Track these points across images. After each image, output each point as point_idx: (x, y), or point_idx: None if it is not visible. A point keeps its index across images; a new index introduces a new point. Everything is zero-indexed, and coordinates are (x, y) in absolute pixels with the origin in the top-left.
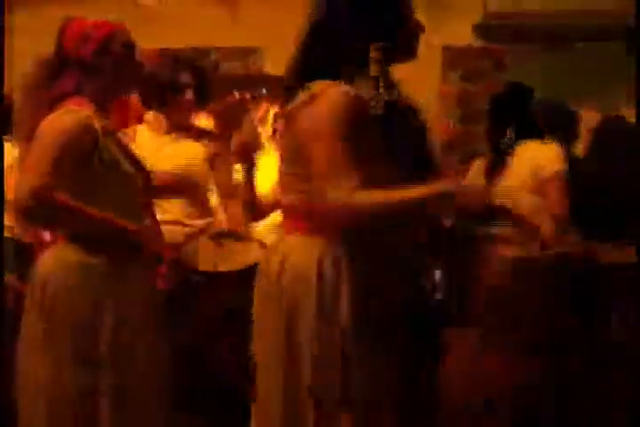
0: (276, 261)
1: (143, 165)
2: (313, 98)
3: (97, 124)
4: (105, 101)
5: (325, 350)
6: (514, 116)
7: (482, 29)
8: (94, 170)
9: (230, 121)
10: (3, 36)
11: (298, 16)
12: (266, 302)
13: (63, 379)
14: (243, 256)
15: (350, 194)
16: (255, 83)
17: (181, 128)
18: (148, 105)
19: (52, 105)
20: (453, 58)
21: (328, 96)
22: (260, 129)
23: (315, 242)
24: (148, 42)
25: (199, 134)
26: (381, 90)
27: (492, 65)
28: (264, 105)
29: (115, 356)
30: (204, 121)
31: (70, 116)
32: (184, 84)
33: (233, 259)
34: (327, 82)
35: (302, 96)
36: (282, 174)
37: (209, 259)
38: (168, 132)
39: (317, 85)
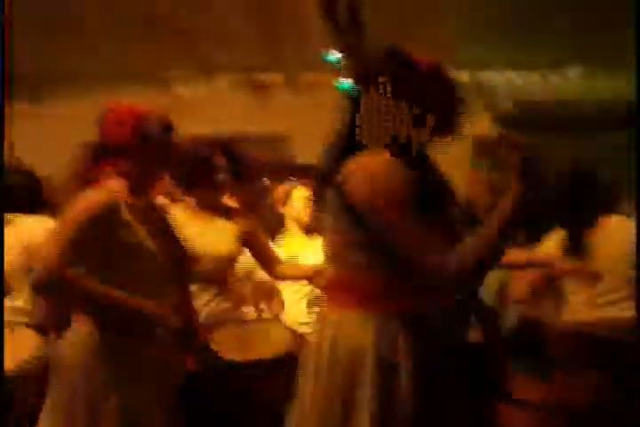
0: (328, 336)
1: (178, 243)
2: (364, 166)
3: (122, 202)
4: (142, 183)
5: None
6: (590, 191)
7: (510, 119)
8: (115, 248)
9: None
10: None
11: (327, 104)
12: (317, 378)
13: None
14: (273, 344)
15: (445, 255)
16: (282, 169)
17: (213, 208)
18: (181, 186)
19: (90, 186)
20: (482, 147)
21: (372, 164)
22: (281, 210)
23: (369, 315)
24: (180, 130)
25: (229, 213)
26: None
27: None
28: (284, 187)
29: None
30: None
31: (95, 193)
32: (217, 167)
33: (263, 346)
34: (377, 151)
35: (351, 165)
36: (331, 246)
37: (238, 346)
38: (200, 212)
39: (368, 154)
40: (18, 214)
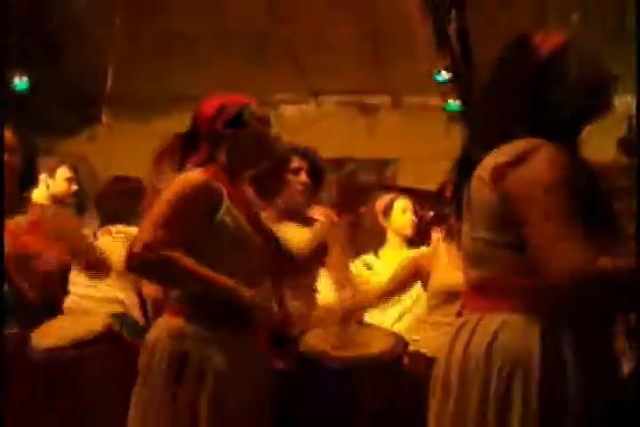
0: (482, 343)
1: (275, 238)
2: (522, 157)
3: (219, 185)
4: (236, 173)
5: None
6: None
7: (627, 144)
8: (214, 232)
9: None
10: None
11: (434, 127)
12: (456, 389)
13: None
14: (368, 344)
15: (593, 259)
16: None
17: (294, 215)
18: (262, 195)
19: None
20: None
21: (542, 154)
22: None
23: (530, 320)
24: None
25: (308, 222)
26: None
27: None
28: (385, 199)
29: None
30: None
31: (194, 176)
32: (297, 168)
33: (359, 345)
34: (535, 140)
35: (503, 156)
36: (476, 244)
37: (330, 344)
38: (280, 219)
39: (525, 143)
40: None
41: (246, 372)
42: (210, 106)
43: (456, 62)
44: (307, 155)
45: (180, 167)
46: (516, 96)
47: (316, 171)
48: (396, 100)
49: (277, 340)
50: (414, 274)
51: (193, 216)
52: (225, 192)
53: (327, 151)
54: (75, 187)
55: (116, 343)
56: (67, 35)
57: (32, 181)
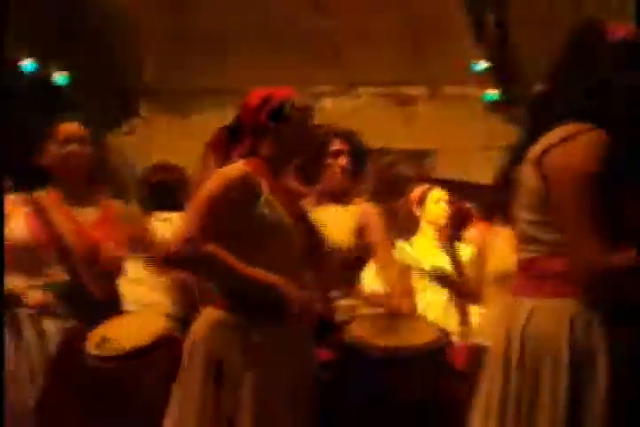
0: (517, 328)
1: (316, 229)
2: (566, 139)
3: (260, 178)
4: (278, 165)
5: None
6: None
7: None
8: (254, 224)
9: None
10: None
11: (472, 117)
12: (507, 370)
13: None
14: (421, 334)
15: (605, 260)
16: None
17: (335, 198)
18: (305, 179)
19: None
20: None
21: (584, 139)
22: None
23: (564, 305)
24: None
25: (350, 203)
26: None
27: None
28: (421, 188)
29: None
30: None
31: (232, 169)
32: (337, 151)
33: (404, 336)
34: (583, 125)
35: (550, 139)
36: (521, 226)
37: (381, 334)
38: (321, 202)
39: (572, 127)
40: (173, 213)
41: (288, 363)
42: (254, 99)
43: (494, 51)
44: (348, 138)
45: (224, 160)
46: (581, 81)
47: (358, 154)
48: (433, 91)
49: (320, 330)
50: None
51: (231, 209)
52: (264, 184)
53: (366, 142)
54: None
55: (173, 345)
56: (107, 29)
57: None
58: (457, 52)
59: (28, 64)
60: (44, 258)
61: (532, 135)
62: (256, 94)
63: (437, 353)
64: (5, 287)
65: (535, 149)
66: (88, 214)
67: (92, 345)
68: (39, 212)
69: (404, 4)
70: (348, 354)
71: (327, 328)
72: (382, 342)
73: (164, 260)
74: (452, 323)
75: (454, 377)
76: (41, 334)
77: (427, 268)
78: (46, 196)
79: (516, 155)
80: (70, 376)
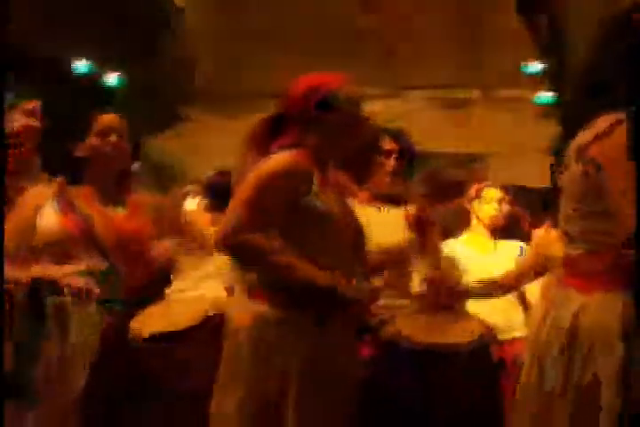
0: (566, 321)
1: (359, 224)
2: (606, 129)
3: (306, 168)
4: (325, 156)
5: None
6: None
7: None
8: (302, 215)
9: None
10: None
11: (524, 122)
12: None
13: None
14: (464, 331)
15: None
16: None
17: (385, 197)
18: (355, 178)
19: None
20: None
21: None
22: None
23: (614, 297)
24: None
25: (401, 203)
26: None
27: None
28: (477, 186)
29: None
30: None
31: (281, 158)
32: (387, 150)
33: (447, 333)
34: (622, 114)
35: (591, 130)
36: (566, 219)
37: (426, 331)
38: (370, 201)
39: (613, 117)
40: None
41: (331, 357)
42: (301, 87)
43: (548, 53)
44: (398, 137)
45: (266, 151)
46: (618, 71)
47: (408, 154)
48: (486, 94)
49: (363, 325)
50: (537, 264)
51: (279, 199)
52: (315, 175)
53: (416, 146)
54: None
55: (217, 329)
56: (159, 32)
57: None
58: (510, 54)
59: (81, 65)
60: (78, 247)
61: (574, 129)
62: (303, 82)
63: (479, 351)
64: (40, 275)
65: (575, 141)
66: (118, 209)
67: (138, 327)
68: (72, 204)
69: (457, 6)
70: (387, 350)
71: (369, 325)
72: (423, 338)
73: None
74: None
75: (499, 376)
76: (84, 321)
77: (473, 267)
78: (79, 190)
79: (561, 154)
80: (116, 361)
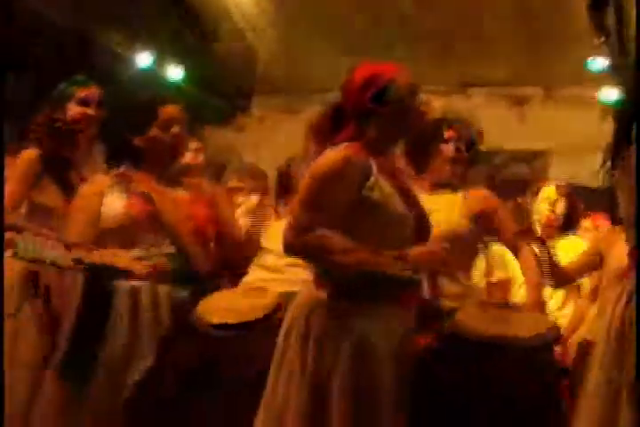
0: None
1: (423, 211)
2: None
3: (365, 160)
4: (385, 146)
5: None
6: None
7: None
8: (363, 207)
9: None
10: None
11: (588, 120)
12: None
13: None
14: (520, 326)
15: None
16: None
17: (445, 184)
18: (415, 164)
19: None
20: None
21: None
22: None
23: None
24: None
25: (459, 190)
26: None
27: None
28: (539, 184)
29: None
30: None
31: (337, 152)
32: (447, 138)
33: (511, 327)
34: None
35: None
36: (625, 215)
37: (481, 323)
38: (431, 189)
39: None
40: None
41: (390, 346)
42: (357, 79)
43: (613, 49)
44: (457, 125)
45: (326, 144)
46: None
47: (467, 141)
48: (548, 91)
49: (424, 316)
50: (595, 260)
51: (338, 193)
52: (374, 166)
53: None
54: (201, 158)
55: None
56: (219, 25)
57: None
58: (573, 50)
59: (143, 58)
60: (145, 231)
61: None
62: (359, 74)
63: (542, 348)
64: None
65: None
66: (179, 195)
67: (205, 313)
68: (136, 189)
69: (517, 1)
70: (445, 339)
71: (432, 314)
72: (488, 331)
73: (284, 250)
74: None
75: (558, 375)
76: (156, 305)
77: None
78: (138, 175)
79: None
80: (184, 346)
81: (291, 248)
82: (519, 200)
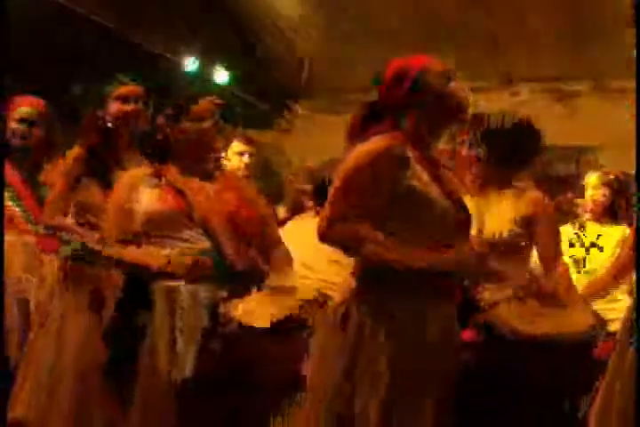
0: None
1: (464, 204)
2: None
3: (407, 153)
4: (423, 139)
5: None
6: None
7: None
8: (402, 197)
9: None
10: None
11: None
12: None
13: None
14: (562, 323)
15: None
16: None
17: (497, 183)
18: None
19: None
20: None
21: None
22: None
23: None
24: None
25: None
26: None
27: None
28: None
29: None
30: None
31: (375, 142)
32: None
33: (553, 323)
34: None
35: None
36: None
37: (522, 318)
38: (482, 188)
39: None
40: None
41: (430, 341)
42: (389, 72)
43: None
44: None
45: (364, 137)
46: None
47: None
48: (596, 86)
49: (464, 311)
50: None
51: (375, 183)
52: (412, 157)
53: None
54: (246, 160)
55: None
56: (262, 28)
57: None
58: (621, 43)
59: (189, 62)
60: (180, 226)
61: None
62: (391, 68)
63: (584, 344)
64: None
65: None
66: (213, 190)
67: (239, 315)
68: (169, 184)
69: None
70: (487, 335)
71: (472, 310)
72: (528, 327)
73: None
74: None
75: (597, 372)
76: (196, 305)
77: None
78: (172, 169)
79: None
80: (221, 346)
81: (324, 237)
82: (569, 196)
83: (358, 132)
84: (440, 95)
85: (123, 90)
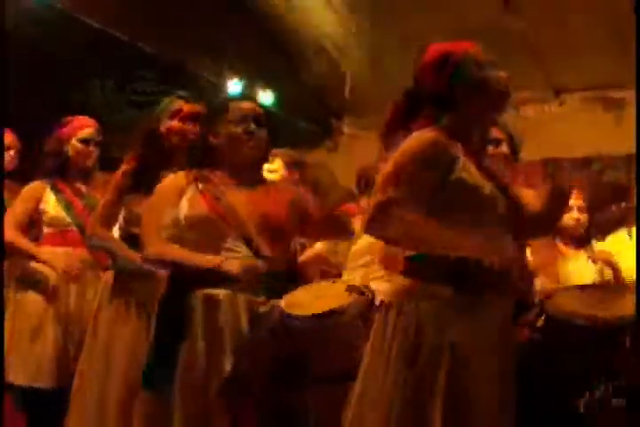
0: None
1: (515, 196)
2: None
3: (455, 145)
4: (466, 132)
5: None
6: None
7: None
8: (451, 189)
9: None
10: None
11: None
12: None
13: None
14: (624, 306)
15: None
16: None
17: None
18: None
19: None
20: None
21: None
22: None
23: None
24: (531, 153)
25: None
26: None
27: None
28: None
29: (451, 397)
30: None
31: (424, 134)
32: (496, 139)
33: (615, 307)
34: None
35: None
36: None
37: (583, 303)
38: None
39: None
40: None
41: (489, 338)
42: (429, 62)
43: None
44: (504, 126)
45: (405, 134)
46: None
47: (515, 143)
48: None
49: (518, 310)
50: None
51: (424, 174)
52: (459, 148)
53: (572, 150)
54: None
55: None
56: (305, 48)
57: None
58: None
59: (233, 84)
60: (222, 232)
61: None
62: (430, 55)
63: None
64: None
65: None
66: (255, 195)
67: (287, 307)
68: (212, 188)
69: (607, 4)
70: (553, 326)
71: (524, 307)
72: (590, 311)
73: (365, 231)
74: None
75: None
76: (234, 308)
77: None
78: (214, 174)
79: None
80: (273, 343)
81: (372, 222)
82: (622, 205)
83: (398, 125)
84: (482, 81)
85: (185, 108)
